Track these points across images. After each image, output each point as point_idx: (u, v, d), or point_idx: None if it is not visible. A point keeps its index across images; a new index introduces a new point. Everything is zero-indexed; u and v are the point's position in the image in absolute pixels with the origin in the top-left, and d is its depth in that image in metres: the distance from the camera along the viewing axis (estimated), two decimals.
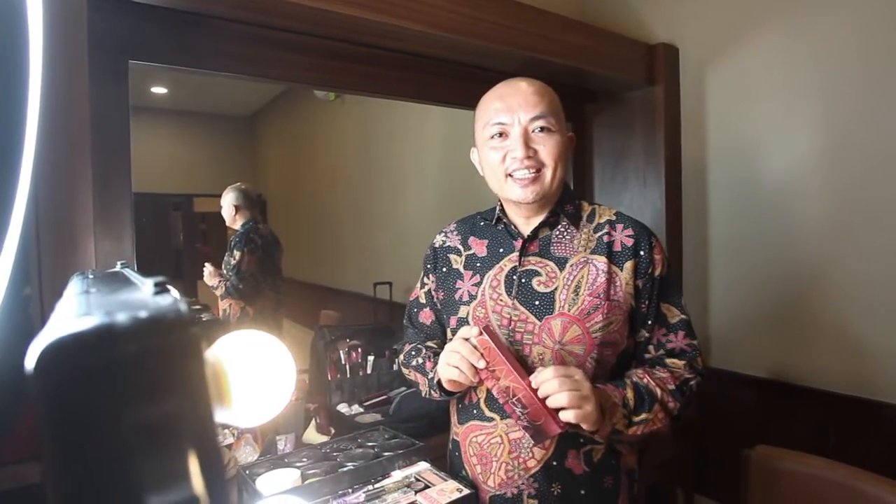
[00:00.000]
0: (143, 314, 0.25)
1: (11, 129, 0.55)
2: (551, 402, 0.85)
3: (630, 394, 0.94)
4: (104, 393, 0.23)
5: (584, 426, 0.88)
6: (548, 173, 0.98)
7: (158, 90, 2.99)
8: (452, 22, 1.51)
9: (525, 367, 0.93)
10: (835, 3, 1.69)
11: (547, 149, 0.98)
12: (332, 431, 1.53)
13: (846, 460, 1.31)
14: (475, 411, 1.02)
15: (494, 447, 0.99)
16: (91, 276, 0.53)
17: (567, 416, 0.85)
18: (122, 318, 0.25)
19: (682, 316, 1.04)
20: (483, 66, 1.76)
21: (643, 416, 0.94)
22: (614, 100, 2.16)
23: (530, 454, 0.97)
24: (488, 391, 0.98)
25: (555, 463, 0.97)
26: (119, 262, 0.58)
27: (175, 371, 0.25)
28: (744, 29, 1.92)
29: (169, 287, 0.32)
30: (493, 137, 1.00)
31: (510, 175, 0.99)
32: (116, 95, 1.32)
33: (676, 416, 0.99)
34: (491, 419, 1.00)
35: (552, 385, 0.85)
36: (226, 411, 0.32)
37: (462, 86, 1.78)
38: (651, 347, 1.04)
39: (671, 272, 1.05)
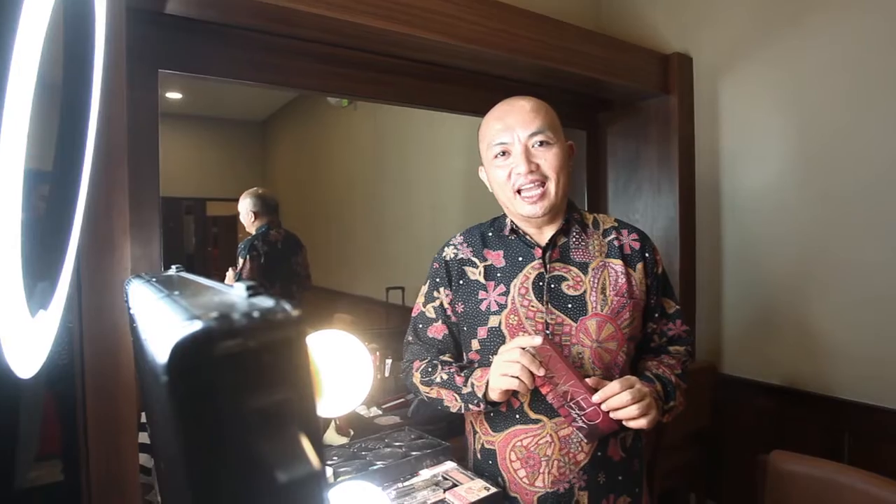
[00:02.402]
0: (256, 314, 0.28)
1: (75, 140, 0.59)
2: (621, 415, 0.92)
3: (659, 387, 1.02)
4: (229, 383, 0.26)
5: (649, 428, 0.96)
6: (552, 186, 1.05)
7: (173, 95, 3.02)
8: (471, 33, 1.54)
9: (579, 369, 0.98)
10: (847, 14, 1.71)
11: (548, 161, 1.04)
12: (352, 433, 1.55)
13: (861, 467, 1.32)
14: (518, 416, 1.04)
15: (544, 447, 1.02)
16: (154, 280, 0.56)
17: (640, 423, 0.93)
18: (238, 317, 0.27)
19: (677, 306, 1.17)
20: (500, 75, 1.79)
21: (671, 404, 1.03)
22: (629, 108, 2.18)
23: (579, 448, 1.02)
24: (532, 394, 1.00)
25: (599, 453, 1.03)
26: (174, 266, 0.61)
27: (286, 364, 0.28)
28: (757, 39, 1.94)
29: (260, 290, 0.35)
30: (496, 157, 1.07)
31: (518, 192, 1.05)
32: (147, 103, 1.36)
33: (685, 393, 1.10)
34: (538, 421, 1.03)
35: (622, 398, 0.92)
36: (320, 401, 0.35)
37: (479, 94, 1.81)
38: (655, 336, 1.15)
39: (664, 269, 1.17)
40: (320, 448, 0.27)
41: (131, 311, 0.55)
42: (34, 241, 0.48)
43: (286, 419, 0.26)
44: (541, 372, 0.91)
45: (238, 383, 0.26)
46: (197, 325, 0.26)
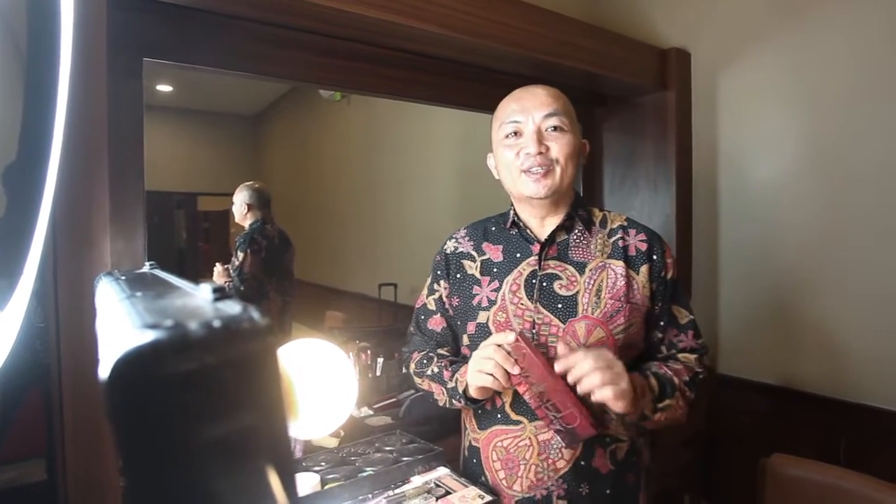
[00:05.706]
0: (217, 323, 0.24)
1: (41, 128, 0.55)
2: (586, 383, 0.86)
3: (653, 381, 0.97)
4: (182, 407, 0.22)
5: (620, 405, 0.88)
6: (558, 170, 1.01)
7: (164, 88, 2.97)
8: (466, 24, 1.50)
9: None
10: (849, 7, 1.68)
11: (559, 146, 1.01)
12: (342, 434, 1.52)
13: (857, 469, 1.30)
14: (499, 416, 1.02)
15: (522, 450, 0.99)
16: (122, 278, 0.52)
17: (605, 393, 0.86)
18: (195, 327, 0.23)
19: (691, 316, 1.09)
20: (496, 68, 1.75)
21: (667, 401, 0.98)
22: (625, 104, 2.15)
23: (560, 455, 0.98)
24: (514, 394, 0.97)
25: (583, 462, 0.98)
26: (147, 263, 0.57)
27: (252, 383, 0.24)
28: (756, 34, 1.91)
29: (229, 293, 0.31)
30: (508, 136, 1.04)
31: (524, 172, 1.02)
32: (131, 93, 1.31)
33: (691, 405, 1.04)
34: (518, 422, 1.00)
35: (585, 365, 0.86)
36: (294, 423, 0.31)
37: (474, 88, 1.77)
38: (663, 347, 1.09)
39: (679, 275, 1.10)
40: (291, 483, 0.23)
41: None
42: None
43: (250, 450, 0.22)
44: (515, 370, 0.88)
45: (192, 408, 0.22)
46: (145, 337, 0.22)
